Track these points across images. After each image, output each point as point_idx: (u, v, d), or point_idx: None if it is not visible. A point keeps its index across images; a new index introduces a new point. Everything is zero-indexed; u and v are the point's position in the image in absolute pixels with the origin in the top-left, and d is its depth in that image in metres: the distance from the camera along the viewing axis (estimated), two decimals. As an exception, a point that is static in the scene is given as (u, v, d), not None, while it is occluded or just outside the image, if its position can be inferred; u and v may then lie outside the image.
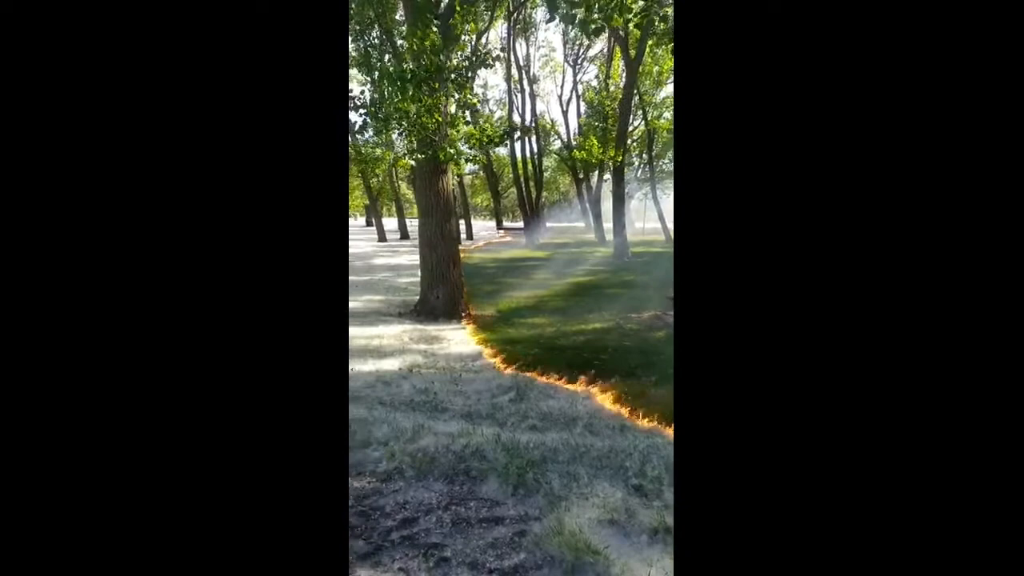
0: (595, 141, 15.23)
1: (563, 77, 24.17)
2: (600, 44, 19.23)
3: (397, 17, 10.06)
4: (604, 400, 3.58)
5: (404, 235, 22.08)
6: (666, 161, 21.30)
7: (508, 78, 19.74)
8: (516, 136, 13.00)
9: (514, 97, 20.77)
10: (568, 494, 2.16)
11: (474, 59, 5.57)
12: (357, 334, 5.30)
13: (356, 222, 36.25)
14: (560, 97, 34.11)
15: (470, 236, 22.27)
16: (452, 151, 5.86)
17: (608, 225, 14.98)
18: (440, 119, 5.65)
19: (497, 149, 17.05)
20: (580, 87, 21.45)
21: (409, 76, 4.93)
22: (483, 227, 30.71)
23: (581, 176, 21.64)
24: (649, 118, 17.23)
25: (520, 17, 18.15)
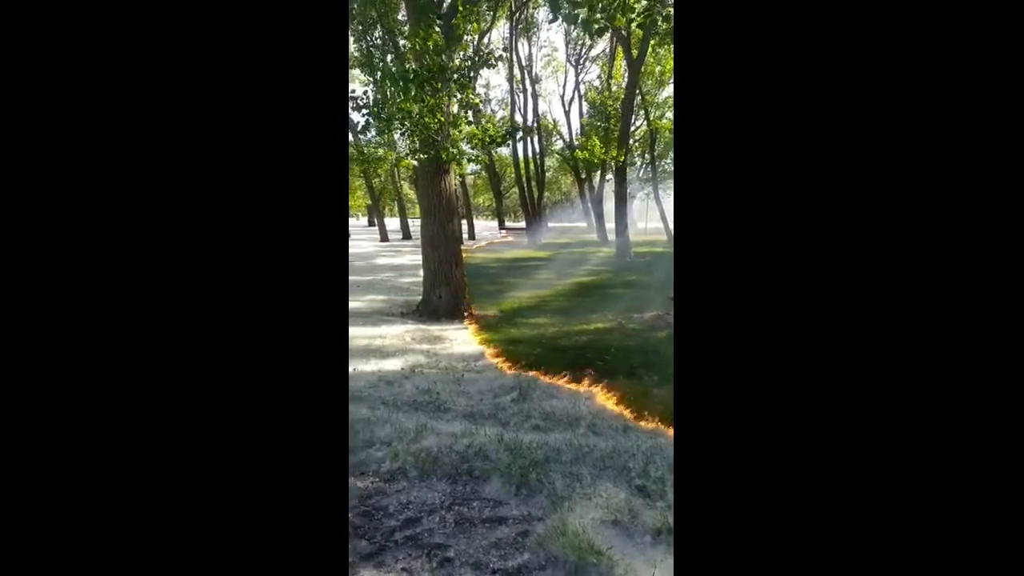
0: (597, 141, 15.21)
1: (565, 77, 24.40)
2: (602, 44, 19.27)
3: (399, 17, 10.09)
4: (607, 400, 3.57)
5: (406, 235, 22.08)
6: (668, 161, 21.23)
7: (510, 78, 19.77)
8: (518, 136, 12.99)
9: (516, 97, 20.81)
10: (571, 494, 2.15)
11: (476, 59, 5.59)
12: (360, 334, 5.31)
13: (358, 222, 36.27)
14: (562, 97, 34.30)
15: (472, 236, 22.29)
16: (454, 151, 5.87)
17: (610, 225, 14.94)
18: (442, 119, 5.65)
19: (499, 149, 17.10)
20: (582, 87, 21.52)
21: (412, 76, 4.94)
22: (485, 227, 30.71)
23: (583, 176, 21.65)
24: (651, 118, 17.17)
25: (522, 17, 18.16)
